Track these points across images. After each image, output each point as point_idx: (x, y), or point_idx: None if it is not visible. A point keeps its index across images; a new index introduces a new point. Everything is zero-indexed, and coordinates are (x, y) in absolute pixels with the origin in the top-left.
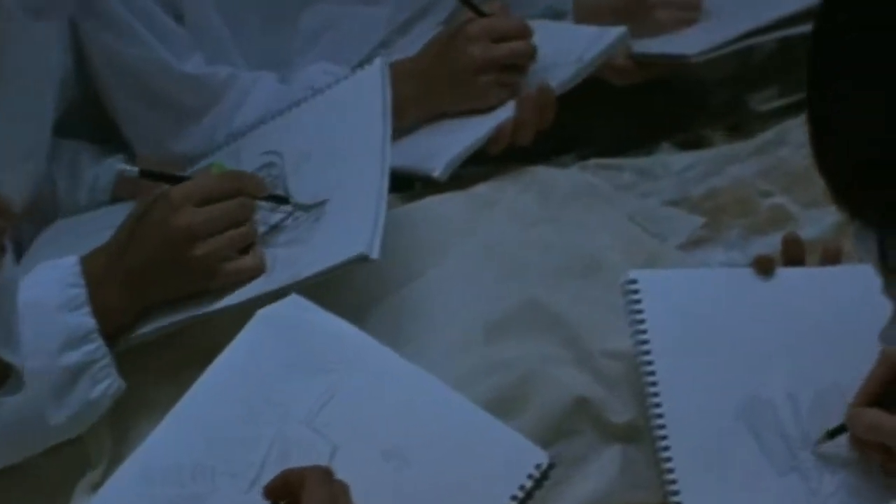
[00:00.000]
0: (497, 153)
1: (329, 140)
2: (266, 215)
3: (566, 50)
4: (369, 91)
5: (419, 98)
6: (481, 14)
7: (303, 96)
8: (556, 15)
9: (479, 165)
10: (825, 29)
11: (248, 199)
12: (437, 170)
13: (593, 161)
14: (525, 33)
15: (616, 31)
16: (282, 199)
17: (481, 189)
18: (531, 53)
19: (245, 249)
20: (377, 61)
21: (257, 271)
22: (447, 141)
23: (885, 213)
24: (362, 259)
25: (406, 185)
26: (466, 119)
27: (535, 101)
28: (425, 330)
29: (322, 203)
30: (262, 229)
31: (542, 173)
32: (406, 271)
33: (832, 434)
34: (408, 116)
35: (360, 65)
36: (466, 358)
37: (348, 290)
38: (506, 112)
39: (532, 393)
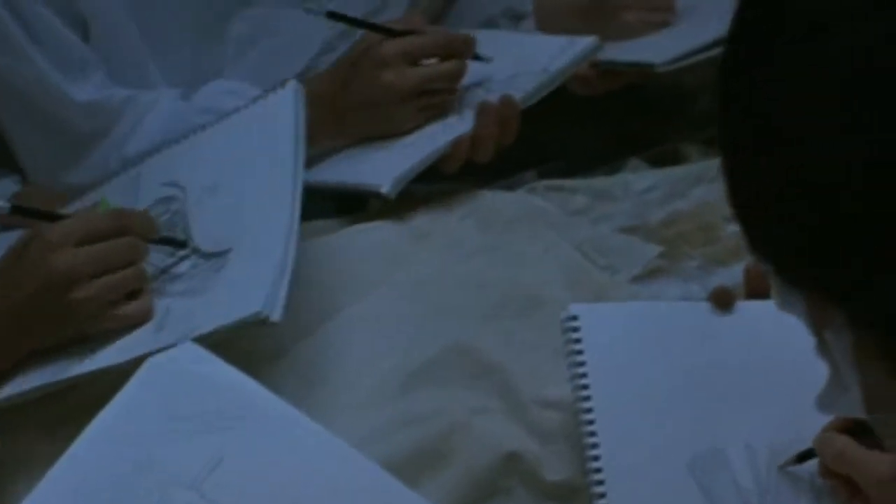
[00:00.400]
0: (452, 171)
1: (237, 174)
2: (161, 260)
3: (531, 60)
4: (281, 119)
5: (329, 124)
6: (394, 34)
7: (209, 121)
8: (516, 17)
9: (432, 182)
10: (761, 31)
11: (136, 240)
12: (385, 186)
13: (544, 182)
14: (448, 51)
15: (586, 42)
16: (177, 243)
17: (415, 215)
18: (457, 73)
19: (132, 294)
20: (290, 84)
21: (146, 318)
22: (397, 155)
23: (812, 269)
24: (260, 321)
25: (358, 204)
26: (418, 132)
27: (496, 114)
28: (338, 378)
29: (224, 252)
30: (150, 270)
31: (484, 198)
32: (319, 312)
33: (801, 458)
34: (320, 142)
35: (274, 87)
36: (383, 409)
37: (253, 334)
38: (463, 125)
39: (456, 448)
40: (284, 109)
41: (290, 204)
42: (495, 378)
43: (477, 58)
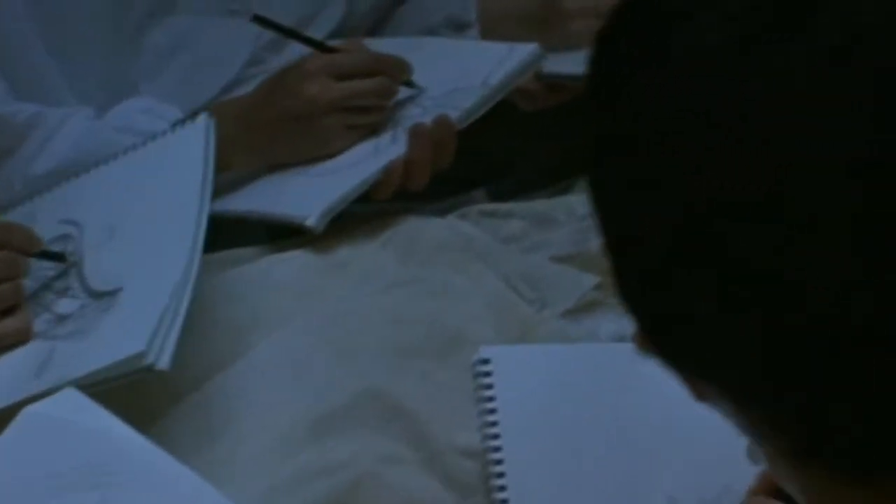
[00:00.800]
0: (385, 198)
1: (137, 213)
2: (52, 301)
3: (469, 72)
4: (189, 156)
5: (248, 142)
6: (326, 49)
7: (112, 153)
8: (459, 26)
9: (366, 203)
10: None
11: (15, 255)
12: (312, 218)
13: (478, 207)
14: (378, 70)
15: (527, 50)
16: (57, 257)
17: (337, 243)
18: (385, 91)
19: (9, 310)
20: (202, 118)
21: (22, 335)
22: (325, 183)
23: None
24: (145, 367)
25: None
26: (348, 156)
27: (430, 136)
28: (240, 426)
29: (115, 292)
30: (34, 294)
31: (409, 224)
32: (225, 351)
33: None
34: (237, 161)
35: (183, 121)
36: (287, 461)
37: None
38: (396, 148)
39: (366, 501)
40: (193, 147)
41: (189, 246)
42: (409, 424)
43: (408, 84)
